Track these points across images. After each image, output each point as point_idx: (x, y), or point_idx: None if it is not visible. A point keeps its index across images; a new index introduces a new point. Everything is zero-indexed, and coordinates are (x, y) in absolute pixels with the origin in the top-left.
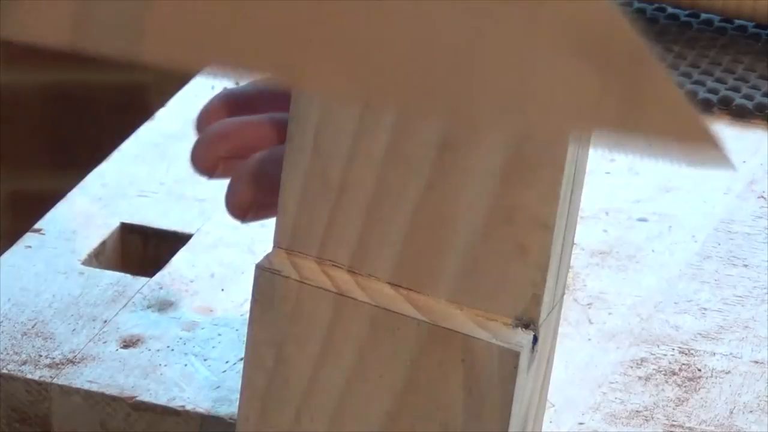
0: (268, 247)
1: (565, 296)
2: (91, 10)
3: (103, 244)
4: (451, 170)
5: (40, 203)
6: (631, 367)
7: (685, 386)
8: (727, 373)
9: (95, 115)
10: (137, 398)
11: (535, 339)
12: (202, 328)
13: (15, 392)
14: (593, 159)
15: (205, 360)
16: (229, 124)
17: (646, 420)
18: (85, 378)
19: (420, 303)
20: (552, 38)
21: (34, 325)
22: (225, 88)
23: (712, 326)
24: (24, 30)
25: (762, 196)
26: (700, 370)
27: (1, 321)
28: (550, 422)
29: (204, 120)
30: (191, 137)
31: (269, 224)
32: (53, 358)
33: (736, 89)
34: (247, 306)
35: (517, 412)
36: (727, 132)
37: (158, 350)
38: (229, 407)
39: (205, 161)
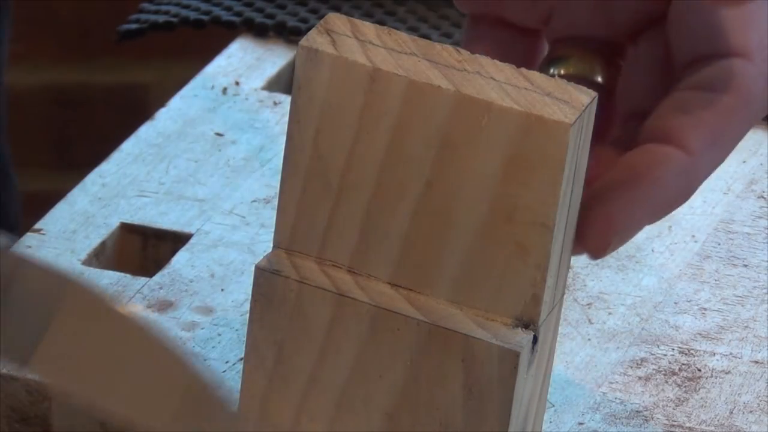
0: (268, 247)
1: (565, 296)
2: None
3: (103, 244)
4: (451, 170)
5: (40, 203)
6: (631, 367)
7: (685, 386)
8: (727, 373)
9: (95, 115)
10: None
11: (535, 339)
12: (202, 328)
13: (15, 392)
14: None
15: (205, 360)
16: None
17: (646, 420)
18: None
19: (420, 303)
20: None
21: None
22: None
23: (712, 326)
24: None
25: (762, 196)
26: (700, 370)
27: None
28: (550, 422)
29: None
30: (191, 137)
31: (269, 224)
32: None
33: None
34: (247, 306)
35: (517, 412)
36: None
37: None
38: None
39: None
